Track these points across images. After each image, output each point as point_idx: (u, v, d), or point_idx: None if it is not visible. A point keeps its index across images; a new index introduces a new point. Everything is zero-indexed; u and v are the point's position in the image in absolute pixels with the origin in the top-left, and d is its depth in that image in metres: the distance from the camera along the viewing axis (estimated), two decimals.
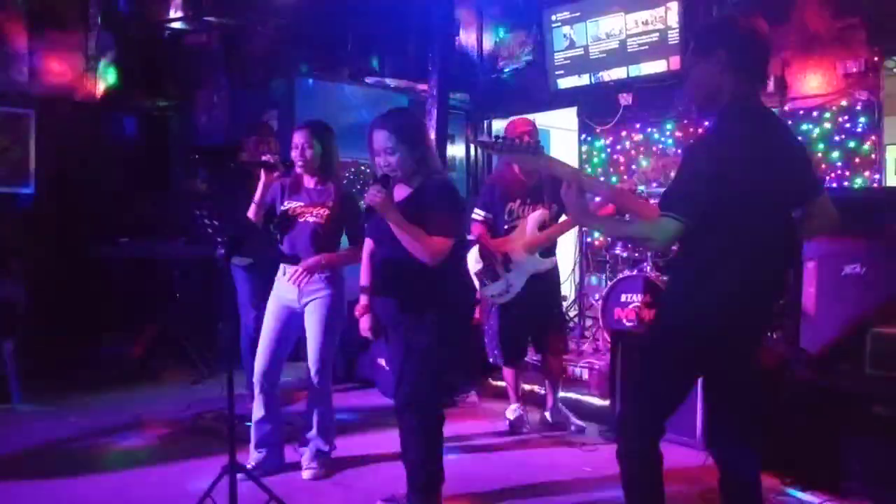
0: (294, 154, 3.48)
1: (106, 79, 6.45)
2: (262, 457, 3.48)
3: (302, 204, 3.48)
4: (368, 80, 6.80)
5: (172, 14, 6.43)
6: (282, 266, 3.48)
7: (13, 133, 5.86)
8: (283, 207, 3.51)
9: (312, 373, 3.46)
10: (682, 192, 2.18)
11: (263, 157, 3.61)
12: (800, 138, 4.82)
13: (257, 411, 3.49)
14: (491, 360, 4.40)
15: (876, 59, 4.83)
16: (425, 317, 2.83)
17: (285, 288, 3.45)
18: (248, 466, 3.26)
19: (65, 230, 5.96)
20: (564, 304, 5.28)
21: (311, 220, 3.43)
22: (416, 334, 2.84)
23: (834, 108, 5.00)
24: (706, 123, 3.05)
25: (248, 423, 3.56)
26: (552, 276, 4.25)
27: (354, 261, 3.41)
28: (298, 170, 3.50)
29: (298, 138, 3.47)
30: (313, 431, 3.52)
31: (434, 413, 2.93)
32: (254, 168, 3.69)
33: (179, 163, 6.76)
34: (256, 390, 3.49)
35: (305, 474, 3.46)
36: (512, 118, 4.60)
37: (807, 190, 2.32)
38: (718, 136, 2.29)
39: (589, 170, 6.35)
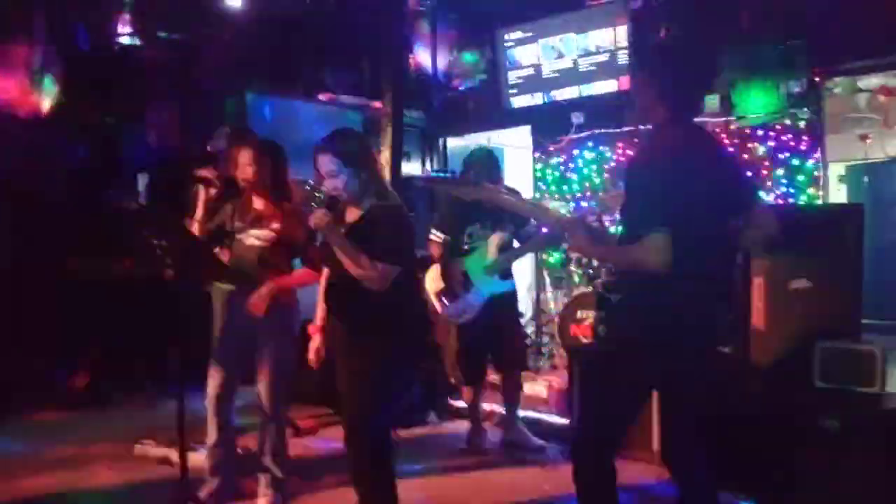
0: (237, 173, 3.40)
1: (52, 95, 6.28)
2: (216, 485, 3.38)
3: (247, 225, 3.41)
4: (322, 97, 6.76)
5: (122, 29, 6.30)
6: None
7: None
8: (229, 229, 3.44)
9: (263, 396, 3.38)
10: (653, 206, 2.23)
11: (201, 173, 3.55)
12: (745, 156, 5.06)
13: (211, 435, 3.40)
14: (451, 380, 4.38)
15: (817, 79, 4.99)
16: (372, 340, 2.78)
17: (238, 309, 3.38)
18: (201, 495, 3.16)
19: (10, 250, 5.76)
20: (522, 320, 5.30)
21: (255, 242, 3.37)
22: (361, 358, 2.78)
23: (778, 126, 5.15)
24: (642, 142, 3.17)
25: (202, 449, 3.47)
26: (510, 297, 4.27)
27: (307, 282, 3.36)
28: (243, 187, 3.41)
29: (242, 156, 3.38)
30: (267, 458, 3.43)
31: (381, 440, 2.83)
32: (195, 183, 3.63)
33: (124, 180, 6.59)
34: (210, 413, 3.40)
35: (261, 502, 3.38)
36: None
37: (741, 200, 2.43)
38: (659, 151, 2.38)
39: (543, 188, 6.40)
